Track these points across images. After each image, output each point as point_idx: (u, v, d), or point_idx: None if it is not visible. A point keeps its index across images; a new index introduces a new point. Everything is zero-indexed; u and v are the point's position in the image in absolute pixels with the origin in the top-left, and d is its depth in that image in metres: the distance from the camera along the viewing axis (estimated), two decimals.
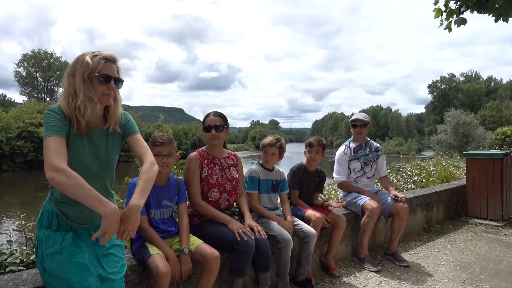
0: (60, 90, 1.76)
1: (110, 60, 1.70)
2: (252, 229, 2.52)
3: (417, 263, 3.66)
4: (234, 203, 2.84)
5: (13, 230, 2.69)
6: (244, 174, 2.97)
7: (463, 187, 5.59)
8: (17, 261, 2.40)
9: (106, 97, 1.70)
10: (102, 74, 1.66)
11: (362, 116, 3.88)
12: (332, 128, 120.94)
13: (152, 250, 2.16)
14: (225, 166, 2.76)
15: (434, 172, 6.63)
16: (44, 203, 1.79)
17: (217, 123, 2.67)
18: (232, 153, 2.89)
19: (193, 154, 2.71)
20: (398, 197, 3.62)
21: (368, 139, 3.98)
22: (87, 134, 1.71)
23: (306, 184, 3.38)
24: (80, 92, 1.63)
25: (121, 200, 4.65)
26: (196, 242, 2.33)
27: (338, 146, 4.13)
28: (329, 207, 3.36)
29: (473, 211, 5.39)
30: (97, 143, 1.75)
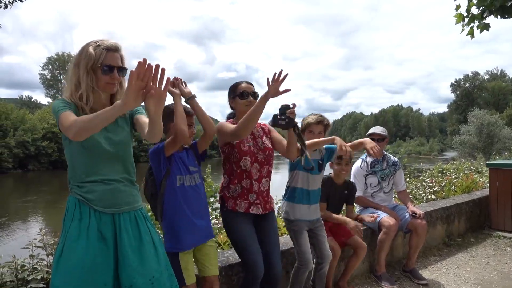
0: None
1: (113, 50, 1.73)
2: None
3: (436, 281, 3.57)
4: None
5: (35, 246, 2.77)
6: None
7: (486, 198, 5.42)
8: (38, 277, 2.47)
9: (110, 86, 1.74)
10: (105, 64, 1.69)
11: (380, 130, 3.81)
12: (351, 128, 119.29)
13: (188, 277, 2.08)
14: (256, 136, 2.57)
15: (455, 180, 6.45)
16: (67, 199, 1.77)
17: (253, 90, 2.54)
18: (263, 124, 2.69)
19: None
20: (416, 213, 3.54)
21: (386, 153, 3.91)
22: None
23: (334, 196, 3.29)
24: (83, 83, 1.69)
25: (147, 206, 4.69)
26: (211, 270, 2.23)
27: None
28: (363, 222, 3.36)
29: (497, 223, 5.22)
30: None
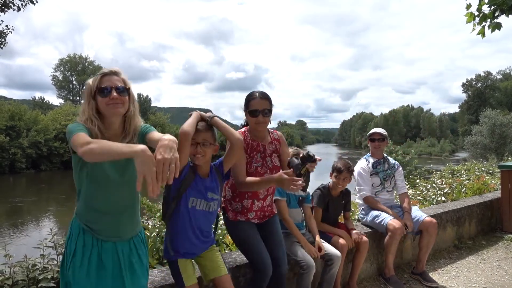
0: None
1: (109, 74, 1.78)
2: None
3: (446, 284, 3.52)
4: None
5: (46, 246, 2.81)
6: None
7: (497, 200, 5.33)
8: (49, 277, 2.51)
9: (112, 107, 1.73)
10: (100, 87, 1.74)
11: (380, 130, 3.86)
12: (360, 128, 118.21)
13: (187, 279, 2.09)
14: (267, 154, 2.51)
15: (466, 181, 6.35)
16: (71, 220, 1.85)
17: (264, 107, 2.39)
18: (276, 137, 2.61)
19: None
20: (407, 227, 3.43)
21: (385, 155, 3.94)
22: None
23: (332, 206, 3.31)
24: (86, 113, 1.75)
25: (149, 203, 4.69)
26: (221, 270, 2.20)
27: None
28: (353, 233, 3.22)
29: (509, 226, 5.13)
30: None
